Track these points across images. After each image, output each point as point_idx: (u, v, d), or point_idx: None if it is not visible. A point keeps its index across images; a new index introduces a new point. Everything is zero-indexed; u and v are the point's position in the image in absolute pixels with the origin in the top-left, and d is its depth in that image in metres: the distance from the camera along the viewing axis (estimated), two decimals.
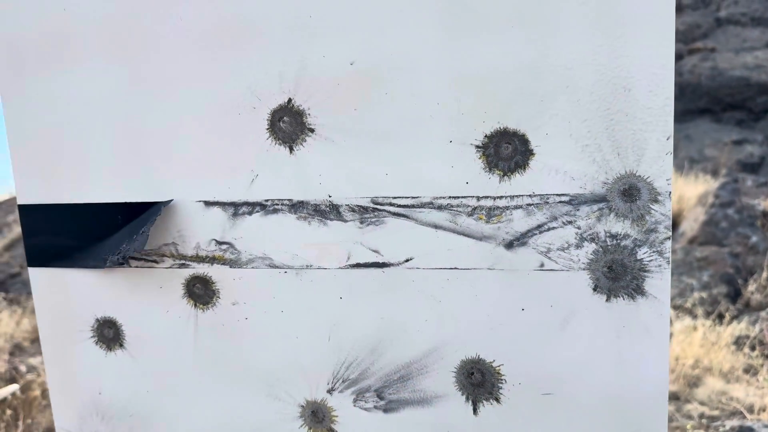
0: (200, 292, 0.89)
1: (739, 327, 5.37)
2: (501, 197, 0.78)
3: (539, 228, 0.77)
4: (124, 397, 0.94)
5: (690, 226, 7.24)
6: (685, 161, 10.70)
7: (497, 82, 0.75)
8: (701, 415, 4.18)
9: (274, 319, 0.87)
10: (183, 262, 0.88)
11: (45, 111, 0.89)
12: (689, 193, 8.26)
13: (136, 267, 0.90)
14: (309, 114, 0.81)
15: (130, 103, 0.87)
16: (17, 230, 8.56)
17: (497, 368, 0.82)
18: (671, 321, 5.46)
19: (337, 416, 0.88)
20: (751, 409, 4.19)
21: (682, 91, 12.26)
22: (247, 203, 0.85)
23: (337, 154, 0.81)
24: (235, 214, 0.86)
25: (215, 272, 0.88)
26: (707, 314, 5.70)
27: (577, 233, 0.76)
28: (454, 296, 0.81)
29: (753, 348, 5.14)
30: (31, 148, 0.91)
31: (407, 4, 0.76)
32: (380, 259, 0.82)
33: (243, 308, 0.88)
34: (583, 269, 0.77)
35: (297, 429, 0.89)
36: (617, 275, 0.76)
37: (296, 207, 0.84)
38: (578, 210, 0.75)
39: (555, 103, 0.74)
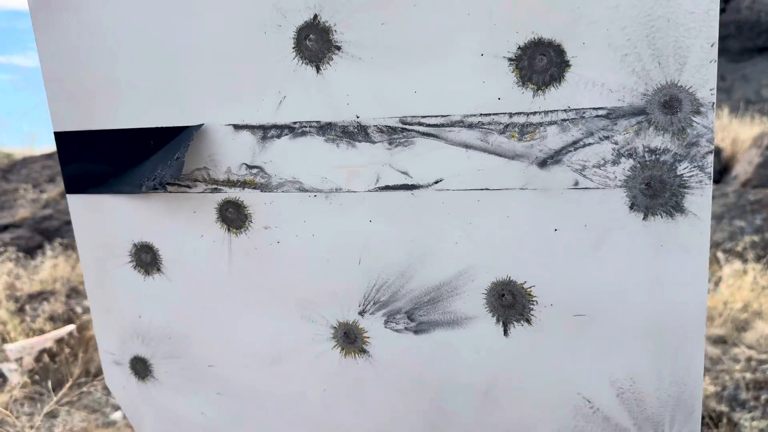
0: (233, 216, 0.89)
1: None
2: (535, 113, 0.75)
3: (574, 144, 0.74)
4: (162, 321, 0.96)
5: (744, 168, 6.98)
6: (741, 102, 10.27)
7: None
8: (749, 359, 4.11)
9: (305, 242, 0.87)
10: (215, 186, 0.89)
11: (76, 39, 0.89)
12: (743, 135, 7.94)
13: (171, 192, 0.91)
14: (336, 31, 0.79)
15: (157, 28, 0.86)
16: None
17: (528, 290, 0.80)
18: (722, 265, 5.33)
19: (369, 337, 0.88)
20: None
21: (739, 28, 11.68)
22: (275, 126, 0.84)
23: (365, 72, 0.79)
24: (264, 138, 0.85)
25: (247, 196, 0.88)
26: (758, 258, 5.55)
27: (614, 149, 0.73)
28: (485, 218, 0.79)
29: None
30: (63, 75, 0.91)
31: None
32: (409, 181, 0.81)
33: (275, 232, 0.88)
34: (620, 186, 0.74)
35: (330, 350, 0.90)
36: (656, 192, 0.72)
37: (324, 129, 0.82)
38: (616, 124, 0.72)
39: (592, 10, 0.70)
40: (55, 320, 4.93)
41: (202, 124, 0.86)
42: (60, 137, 0.93)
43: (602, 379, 0.79)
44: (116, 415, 3.78)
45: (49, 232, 7.83)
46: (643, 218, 0.74)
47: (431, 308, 0.84)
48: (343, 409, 0.90)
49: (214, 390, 0.96)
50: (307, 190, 0.85)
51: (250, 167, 0.87)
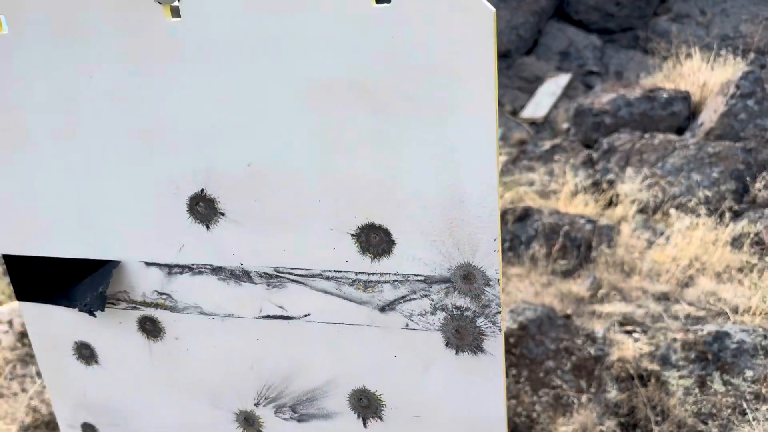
0: (150, 328, 1.11)
1: (741, 225, 5.49)
2: (373, 273, 0.96)
3: (403, 298, 0.96)
4: (103, 399, 1.20)
5: (709, 116, 7.15)
6: (716, 40, 10.25)
7: (365, 189, 0.91)
8: (687, 315, 4.42)
9: (208, 351, 1.10)
10: (134, 305, 1.10)
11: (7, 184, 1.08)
12: (713, 80, 8.06)
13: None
14: (219, 201, 0.99)
15: (84, 186, 1.05)
16: None
17: (379, 396, 1.04)
18: (673, 221, 5.60)
19: (263, 422, 1.13)
20: (736, 310, 4.42)
21: None
22: (178, 265, 1.05)
23: (244, 233, 0.99)
24: (169, 273, 1.06)
25: (160, 314, 1.10)
26: (711, 212, 5.82)
27: (431, 304, 0.95)
28: (344, 343, 1.02)
29: (753, 246, 5.28)
30: (5, 208, 1.11)
31: (289, 121, 0.91)
32: (285, 314, 1.03)
33: (184, 341, 1.11)
34: (438, 330, 0.96)
35: (234, 430, 1.15)
36: (462, 336, 0.95)
37: (216, 270, 1.03)
38: (431, 287, 0.94)
39: (409, 207, 0.90)
40: None
41: (119, 261, 1.07)
42: (7, 258, 1.13)
43: None
44: None
45: None
46: (455, 353, 0.97)
47: (308, 405, 1.08)
48: None
49: None
50: (206, 314, 1.07)
51: (160, 293, 1.08)
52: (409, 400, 1.02)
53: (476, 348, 0.95)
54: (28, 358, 4.32)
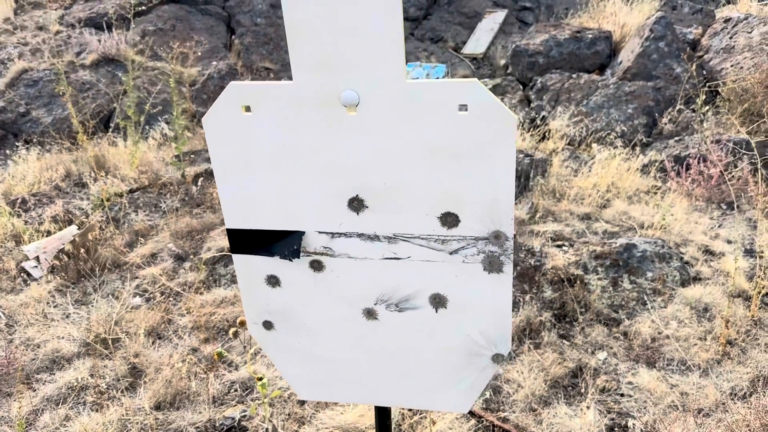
0: (316, 266, 2.00)
1: (650, 155, 6.65)
2: (447, 236, 1.88)
3: (462, 248, 1.89)
4: (280, 306, 2.09)
5: (627, 56, 8.20)
6: None
7: (447, 195, 1.81)
8: (604, 231, 5.57)
9: (350, 277, 2.00)
10: (308, 254, 1.99)
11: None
12: (632, 21, 9.07)
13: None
14: (365, 201, 1.87)
15: (287, 192, 1.90)
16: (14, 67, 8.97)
17: (445, 296, 1.98)
18: (594, 154, 6.69)
19: (378, 313, 2.06)
20: (642, 225, 5.60)
21: None
22: (338, 233, 1.94)
23: (378, 216, 1.89)
24: (332, 237, 1.95)
25: (323, 259, 1.99)
26: (626, 144, 6.95)
27: (477, 250, 1.88)
28: (428, 270, 1.95)
29: (661, 171, 6.45)
30: (233, 203, 1.95)
31: (409, 162, 1.79)
32: (396, 256, 1.94)
33: (336, 273, 2.01)
34: (479, 263, 1.90)
35: (360, 318, 2.08)
36: (492, 265, 1.90)
37: (360, 236, 1.93)
38: (477, 242, 1.87)
39: (469, 204, 1.82)
40: (57, 221, 5.83)
41: (304, 231, 1.95)
42: (229, 230, 1.99)
43: None
44: (137, 300, 4.88)
45: (6, 125, 8.28)
46: (488, 273, 1.90)
47: (406, 302, 2.01)
48: None
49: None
50: (351, 257, 1.97)
51: (325, 248, 1.97)
52: (461, 298, 1.97)
53: (499, 270, 1.90)
54: (63, 288, 5.06)
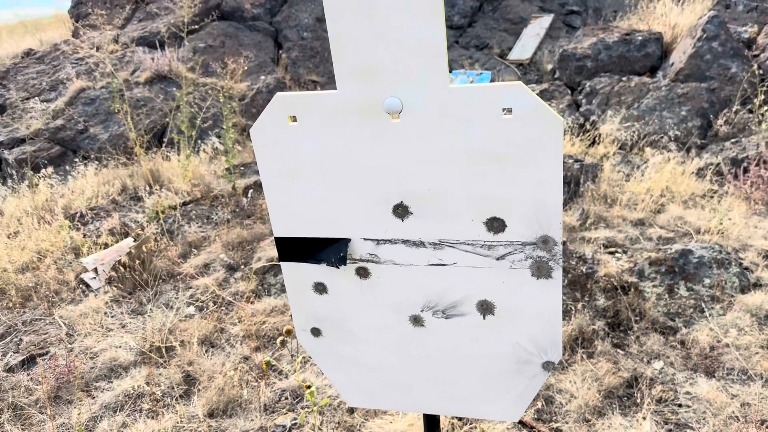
0: (362, 273, 2.01)
1: (705, 158, 6.45)
2: (493, 241, 1.86)
3: (510, 253, 1.87)
4: (327, 312, 2.11)
5: (679, 57, 7.98)
6: None
7: (493, 200, 1.80)
8: (659, 237, 5.42)
9: (396, 284, 2.00)
10: (354, 261, 2.00)
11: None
12: (683, 21, 8.84)
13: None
14: (410, 207, 1.87)
15: (333, 199, 1.92)
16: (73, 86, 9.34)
17: (493, 302, 1.97)
18: (648, 157, 6.53)
19: (425, 319, 2.06)
20: (698, 231, 5.42)
21: None
22: (383, 239, 1.95)
23: (423, 222, 1.88)
24: (377, 244, 1.96)
25: (369, 266, 2.00)
26: (680, 148, 6.75)
27: (524, 255, 1.86)
28: (475, 276, 1.93)
29: (717, 174, 6.25)
30: (281, 212, 1.98)
31: (453, 168, 1.78)
32: (442, 263, 1.94)
33: (382, 279, 2.01)
34: (527, 269, 1.88)
35: (407, 325, 2.08)
36: (540, 270, 1.87)
37: (405, 242, 1.93)
38: (524, 247, 1.84)
39: (515, 208, 1.80)
40: (114, 234, 6.02)
41: (350, 239, 1.96)
42: (277, 238, 2.01)
43: None
44: (190, 309, 4.98)
45: (66, 142, 8.61)
46: (537, 279, 1.88)
47: (452, 309, 2.00)
48: None
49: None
50: (397, 264, 1.97)
51: (371, 254, 1.97)
52: (509, 305, 1.94)
53: (547, 276, 1.87)
54: (120, 298, 5.22)
